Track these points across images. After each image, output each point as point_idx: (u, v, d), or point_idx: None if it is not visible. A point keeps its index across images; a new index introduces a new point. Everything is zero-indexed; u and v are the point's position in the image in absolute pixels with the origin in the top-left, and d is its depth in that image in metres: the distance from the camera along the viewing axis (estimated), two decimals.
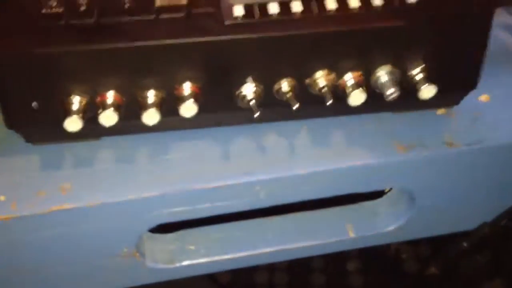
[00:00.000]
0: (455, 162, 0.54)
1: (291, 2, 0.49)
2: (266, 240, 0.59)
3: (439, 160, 0.53)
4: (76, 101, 0.47)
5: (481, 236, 0.62)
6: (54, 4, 0.48)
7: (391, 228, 0.59)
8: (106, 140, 0.52)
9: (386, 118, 0.54)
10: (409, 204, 0.58)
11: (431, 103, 0.51)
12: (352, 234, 0.59)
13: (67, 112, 0.47)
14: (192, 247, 0.58)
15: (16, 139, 0.51)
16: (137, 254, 0.54)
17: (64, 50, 0.45)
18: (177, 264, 0.57)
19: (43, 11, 0.47)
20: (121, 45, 0.46)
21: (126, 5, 0.48)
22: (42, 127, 0.50)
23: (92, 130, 0.49)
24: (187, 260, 0.58)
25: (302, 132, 0.53)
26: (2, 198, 0.49)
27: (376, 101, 0.50)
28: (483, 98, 0.56)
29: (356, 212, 0.60)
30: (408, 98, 0.50)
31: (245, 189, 0.51)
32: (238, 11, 0.48)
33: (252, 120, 0.49)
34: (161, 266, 0.57)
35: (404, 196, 0.58)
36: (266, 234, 0.60)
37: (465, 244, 0.65)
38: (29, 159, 0.51)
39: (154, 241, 0.57)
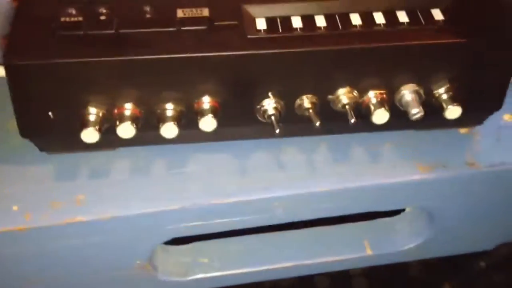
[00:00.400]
0: (477, 183, 0.52)
1: (315, 16, 0.48)
2: (281, 255, 0.59)
3: (461, 181, 0.52)
4: (93, 113, 0.46)
5: (499, 256, 0.61)
6: (73, 12, 0.47)
7: (409, 246, 0.58)
8: (123, 150, 0.51)
9: (408, 135, 0.53)
10: (428, 223, 0.57)
11: (455, 122, 0.50)
12: (369, 251, 0.58)
13: (84, 124, 0.46)
14: (206, 260, 0.57)
15: (31, 147, 0.50)
16: (150, 267, 0.53)
17: (82, 61, 0.44)
18: (190, 277, 0.56)
19: (62, 19, 0.47)
20: (140, 57, 0.45)
21: (147, 16, 0.47)
22: (57, 137, 0.49)
23: (109, 140, 0.48)
24: (200, 273, 0.57)
25: (322, 148, 0.52)
26: (15, 208, 0.48)
27: (399, 119, 0.49)
28: (507, 117, 0.55)
29: (374, 229, 0.60)
30: (431, 116, 0.49)
31: (262, 205, 0.50)
32: (261, 24, 0.47)
33: (272, 135, 0.48)
34: (173, 279, 0.56)
35: (423, 214, 0.57)
36: (281, 249, 0.59)
37: (482, 264, 0.64)
38: (43, 168, 0.50)
39: (167, 253, 0.56)
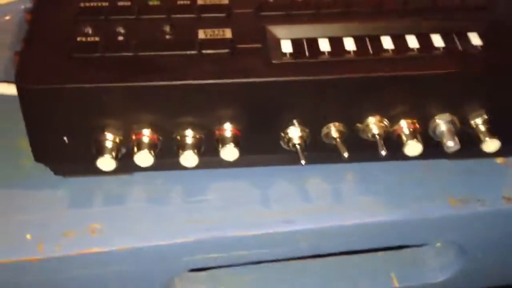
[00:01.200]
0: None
1: (343, 39, 0.46)
2: (302, 285, 0.56)
3: (495, 216, 0.49)
4: (110, 139, 0.44)
5: None
6: (90, 31, 0.45)
7: (438, 280, 0.55)
8: (140, 175, 0.49)
9: (440, 165, 0.50)
10: (459, 255, 0.54)
11: (492, 153, 0.47)
12: (396, 284, 0.55)
13: (100, 151, 0.44)
14: None
15: (44, 170, 0.48)
16: None
17: (98, 86, 0.42)
18: None
19: (78, 39, 0.44)
20: (158, 83, 0.42)
21: (167, 37, 0.45)
22: (72, 161, 0.47)
23: (125, 164, 0.46)
24: None
25: (349, 178, 0.50)
26: (29, 236, 0.46)
27: (432, 149, 0.46)
28: None
29: (402, 260, 0.56)
30: (468, 147, 0.46)
31: (285, 238, 0.47)
32: (286, 46, 0.45)
33: (296, 163, 0.45)
34: None
35: (454, 247, 0.54)
36: (301, 279, 0.56)
37: None
38: (57, 194, 0.48)
39: (185, 280, 0.54)
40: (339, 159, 0.46)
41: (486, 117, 0.45)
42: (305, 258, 0.55)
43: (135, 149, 0.44)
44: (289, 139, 0.45)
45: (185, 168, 0.45)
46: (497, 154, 0.50)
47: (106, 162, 0.43)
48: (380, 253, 0.57)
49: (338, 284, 0.56)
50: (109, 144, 0.44)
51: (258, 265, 0.56)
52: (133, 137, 0.44)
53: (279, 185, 0.49)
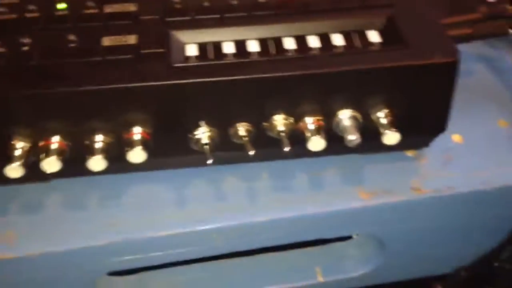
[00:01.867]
0: (423, 208, 0.51)
1: (247, 42, 0.47)
2: (230, 283, 0.57)
3: (405, 206, 0.50)
4: (18, 147, 0.45)
5: (457, 281, 0.59)
6: None
7: (362, 272, 0.57)
8: (55, 183, 0.49)
9: (351, 160, 0.51)
10: (379, 248, 0.55)
11: (398, 146, 0.48)
12: (321, 278, 0.57)
13: (8, 159, 0.44)
14: None
15: None
16: None
17: (5, 95, 0.43)
18: None
19: None
20: (64, 89, 0.43)
21: (71, 45, 0.46)
22: None
23: (39, 173, 0.46)
24: None
25: (263, 176, 0.51)
26: None
27: (339, 144, 0.47)
28: (456, 138, 0.53)
29: (326, 255, 0.58)
30: (373, 141, 0.47)
31: (200, 237, 0.48)
32: (191, 50, 0.46)
33: (206, 164, 0.47)
34: None
35: (373, 240, 0.55)
36: (230, 277, 0.57)
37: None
38: None
39: (110, 285, 0.55)
40: (252, 158, 0.47)
41: (386, 111, 0.47)
42: (229, 257, 0.56)
43: (43, 155, 0.45)
44: (197, 140, 0.46)
45: (100, 173, 0.46)
46: (405, 147, 0.52)
47: (13, 169, 0.44)
48: (304, 249, 0.58)
49: (264, 281, 0.57)
50: (17, 152, 0.44)
51: (187, 266, 0.57)
52: (42, 143, 0.45)
53: (195, 186, 0.50)
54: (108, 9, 0.49)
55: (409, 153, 0.52)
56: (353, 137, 0.46)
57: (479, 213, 0.52)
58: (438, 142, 0.51)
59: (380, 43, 0.47)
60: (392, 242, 0.54)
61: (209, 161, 0.46)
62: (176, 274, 0.57)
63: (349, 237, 0.58)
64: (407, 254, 0.55)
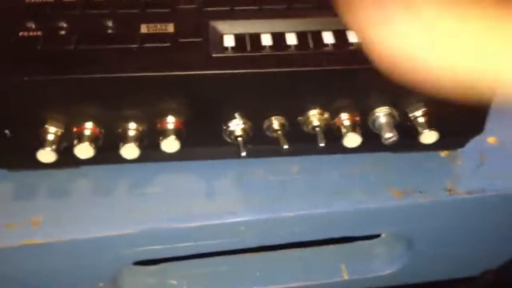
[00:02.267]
0: (455, 209, 0.50)
1: (286, 34, 0.46)
2: (253, 278, 0.56)
3: (438, 207, 0.49)
4: (51, 132, 0.44)
5: (482, 284, 0.58)
6: (33, 26, 0.45)
7: (387, 271, 0.56)
8: (85, 169, 0.49)
9: (385, 158, 0.51)
10: (407, 248, 0.55)
11: (434, 145, 0.47)
12: (346, 276, 0.56)
13: (41, 143, 0.44)
14: (174, 282, 0.55)
15: None
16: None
17: (40, 79, 0.42)
18: None
19: (20, 34, 0.45)
20: (100, 75, 0.43)
21: (109, 31, 0.45)
22: (16, 155, 0.47)
23: (70, 159, 0.46)
24: None
25: (293, 171, 0.50)
26: None
27: (374, 141, 0.47)
28: (491, 140, 0.52)
29: (352, 253, 0.57)
30: (408, 139, 0.46)
31: (229, 229, 0.48)
32: (228, 41, 0.45)
33: (240, 157, 0.46)
34: None
35: (402, 239, 0.55)
36: (253, 271, 0.57)
37: None
38: (1, 187, 0.48)
39: (134, 274, 0.54)
40: (284, 152, 0.46)
41: (424, 109, 0.46)
42: (255, 251, 0.56)
43: (76, 141, 0.44)
44: (231, 132, 0.46)
45: (130, 161, 0.46)
46: (440, 147, 0.51)
47: (46, 154, 0.44)
48: (330, 246, 0.57)
49: (288, 277, 0.56)
50: (50, 136, 0.44)
51: (210, 259, 0.56)
52: (75, 129, 0.45)
53: (225, 178, 0.50)
54: None
55: (443, 154, 0.52)
56: (390, 135, 0.45)
57: (511, 216, 0.52)
58: (473, 143, 0.51)
59: None
60: (421, 242, 0.53)
61: (243, 153, 0.45)
62: (200, 266, 0.56)
63: (377, 236, 0.57)
64: (435, 255, 0.55)
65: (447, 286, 0.61)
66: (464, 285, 0.61)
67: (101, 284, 0.50)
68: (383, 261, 0.56)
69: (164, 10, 0.47)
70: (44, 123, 0.44)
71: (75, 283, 0.50)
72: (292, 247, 0.57)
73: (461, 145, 0.51)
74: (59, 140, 0.44)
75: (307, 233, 0.51)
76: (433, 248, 0.54)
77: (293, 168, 0.50)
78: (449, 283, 0.60)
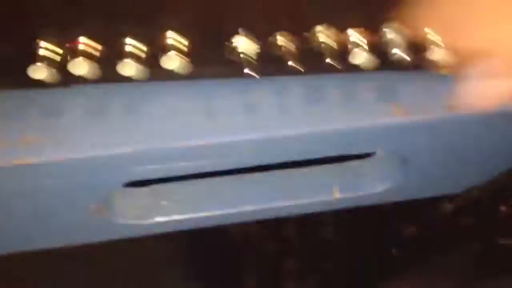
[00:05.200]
0: (455, 126, 0.50)
1: None
2: (246, 198, 0.55)
3: (438, 124, 0.49)
4: (43, 46, 0.41)
5: (468, 200, 0.59)
6: None
7: (379, 189, 0.56)
8: (78, 88, 0.46)
9: (387, 77, 0.49)
10: (400, 166, 0.54)
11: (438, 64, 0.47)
12: (337, 195, 0.56)
13: (32, 58, 0.41)
14: (166, 203, 0.54)
15: None
16: (106, 210, 0.50)
17: None
18: (149, 221, 0.53)
19: None
20: None
21: None
22: (4, 72, 0.44)
23: (63, 76, 0.43)
24: (160, 216, 0.53)
25: (296, 89, 0.48)
26: None
27: (379, 58, 0.45)
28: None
29: (344, 172, 0.57)
30: (414, 57, 0.45)
31: (228, 148, 0.46)
32: None
33: (243, 75, 0.44)
34: (131, 222, 0.53)
35: (396, 157, 0.54)
36: (246, 191, 0.56)
37: (449, 207, 0.62)
38: None
39: (126, 196, 0.53)
40: (289, 71, 0.45)
41: None
42: (249, 172, 0.55)
43: (69, 57, 0.41)
44: (234, 48, 0.44)
45: (127, 80, 0.44)
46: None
47: (37, 70, 0.41)
48: (323, 166, 0.57)
49: (280, 196, 0.56)
50: (42, 51, 0.41)
51: (202, 179, 0.55)
52: (68, 44, 0.42)
53: (225, 98, 0.47)
54: None
55: (445, 71, 0.51)
56: (397, 51, 0.44)
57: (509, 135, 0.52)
58: None
59: None
60: (416, 159, 0.53)
61: (246, 70, 0.43)
62: (189, 187, 0.55)
63: (368, 155, 0.57)
64: (428, 172, 0.55)
65: (431, 202, 0.62)
66: (449, 202, 0.62)
67: (93, 206, 0.49)
68: (376, 178, 0.56)
69: None
70: (36, 37, 0.41)
71: (67, 203, 0.48)
72: (285, 167, 0.56)
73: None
74: (51, 55, 0.41)
75: (306, 152, 0.50)
76: (427, 165, 0.54)
77: (296, 87, 0.49)
78: (434, 200, 0.61)
